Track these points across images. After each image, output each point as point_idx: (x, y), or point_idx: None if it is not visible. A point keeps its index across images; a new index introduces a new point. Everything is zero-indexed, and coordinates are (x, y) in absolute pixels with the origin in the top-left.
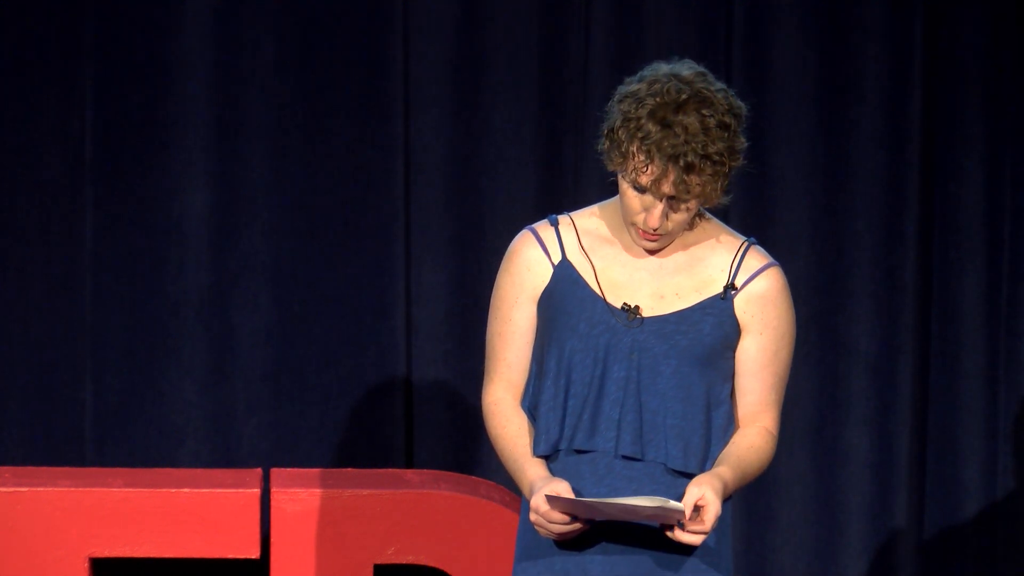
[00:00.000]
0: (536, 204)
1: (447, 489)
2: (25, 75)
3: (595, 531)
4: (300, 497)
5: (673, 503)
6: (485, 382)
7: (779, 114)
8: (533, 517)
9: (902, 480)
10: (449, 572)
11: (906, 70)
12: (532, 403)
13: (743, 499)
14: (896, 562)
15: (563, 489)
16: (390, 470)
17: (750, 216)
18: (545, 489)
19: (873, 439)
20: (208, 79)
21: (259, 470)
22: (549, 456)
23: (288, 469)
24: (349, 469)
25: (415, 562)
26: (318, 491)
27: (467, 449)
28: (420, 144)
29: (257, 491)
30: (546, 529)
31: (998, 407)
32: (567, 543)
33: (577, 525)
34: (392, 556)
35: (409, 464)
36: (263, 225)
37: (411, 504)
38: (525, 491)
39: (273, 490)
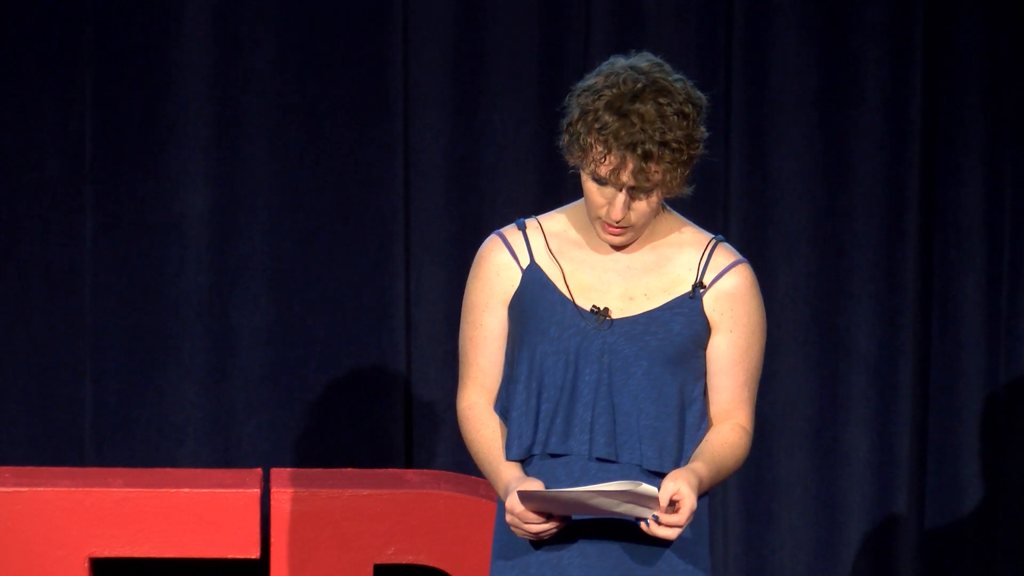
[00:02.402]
0: (536, 204)
1: (447, 489)
2: (25, 75)
3: (572, 532)
4: (300, 497)
5: (645, 486)
6: (459, 388)
7: (779, 114)
8: (509, 518)
9: (902, 480)
10: (449, 572)
11: (906, 70)
12: (504, 407)
13: (742, 499)
14: (896, 562)
15: (537, 487)
16: (390, 470)
17: (750, 217)
18: (519, 487)
19: (873, 439)
20: (208, 79)
21: (259, 470)
22: (523, 460)
23: (288, 469)
24: (349, 469)
25: (415, 562)
26: (318, 491)
27: (467, 449)
28: (420, 144)
29: (257, 491)
30: (522, 530)
31: (998, 407)
32: (543, 545)
33: (553, 524)
34: (392, 556)
35: (409, 464)
36: (263, 225)
37: (411, 504)
38: (500, 493)
39: (273, 490)
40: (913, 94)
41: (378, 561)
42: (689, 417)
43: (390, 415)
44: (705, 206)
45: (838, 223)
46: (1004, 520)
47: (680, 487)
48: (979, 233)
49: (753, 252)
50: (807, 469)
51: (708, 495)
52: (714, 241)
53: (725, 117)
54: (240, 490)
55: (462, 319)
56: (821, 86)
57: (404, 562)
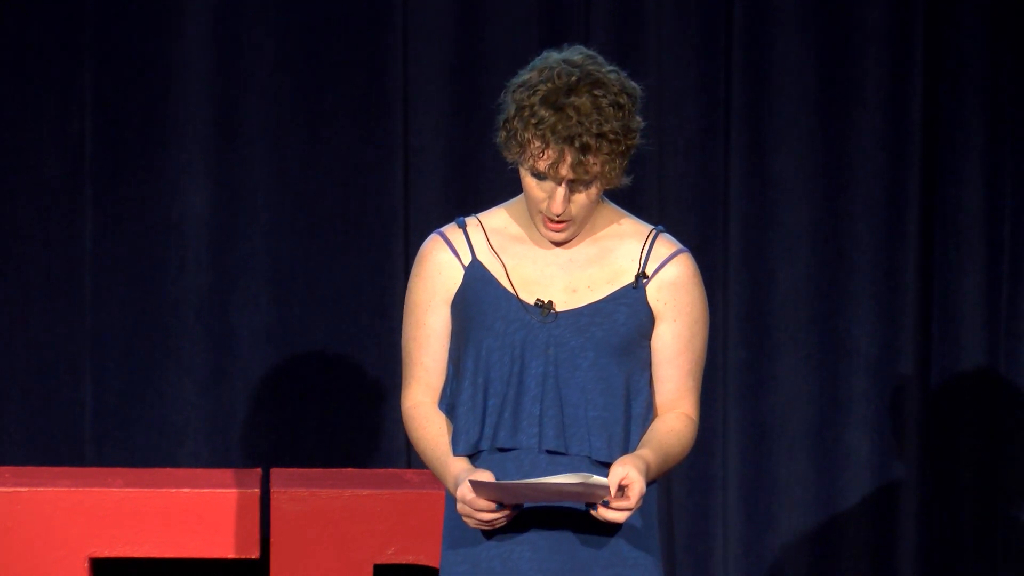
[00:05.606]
0: None
1: None
2: (25, 75)
3: (522, 525)
4: (300, 497)
5: (597, 478)
6: (403, 388)
7: (779, 115)
8: (460, 507)
9: (902, 481)
10: None
11: (906, 71)
12: (450, 404)
13: (743, 500)
14: (896, 564)
15: (488, 477)
16: (390, 470)
17: (751, 218)
18: (470, 476)
19: (874, 441)
20: (208, 79)
21: (259, 470)
22: (470, 456)
23: (288, 469)
24: (349, 469)
25: (415, 562)
26: (318, 491)
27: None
28: (419, 145)
29: (257, 491)
30: (474, 519)
31: (998, 407)
32: (494, 538)
33: (504, 512)
34: (392, 556)
35: (409, 464)
36: (263, 225)
37: (411, 504)
38: (450, 486)
39: (273, 490)
40: (913, 94)
41: (378, 561)
42: (636, 408)
43: (390, 415)
44: (705, 206)
45: (838, 223)
46: (1004, 521)
47: (628, 471)
48: (979, 234)
49: (753, 252)
50: (807, 470)
51: (655, 483)
52: (654, 232)
53: (725, 117)
54: (240, 490)
55: (404, 319)
56: (821, 86)
57: (404, 562)
